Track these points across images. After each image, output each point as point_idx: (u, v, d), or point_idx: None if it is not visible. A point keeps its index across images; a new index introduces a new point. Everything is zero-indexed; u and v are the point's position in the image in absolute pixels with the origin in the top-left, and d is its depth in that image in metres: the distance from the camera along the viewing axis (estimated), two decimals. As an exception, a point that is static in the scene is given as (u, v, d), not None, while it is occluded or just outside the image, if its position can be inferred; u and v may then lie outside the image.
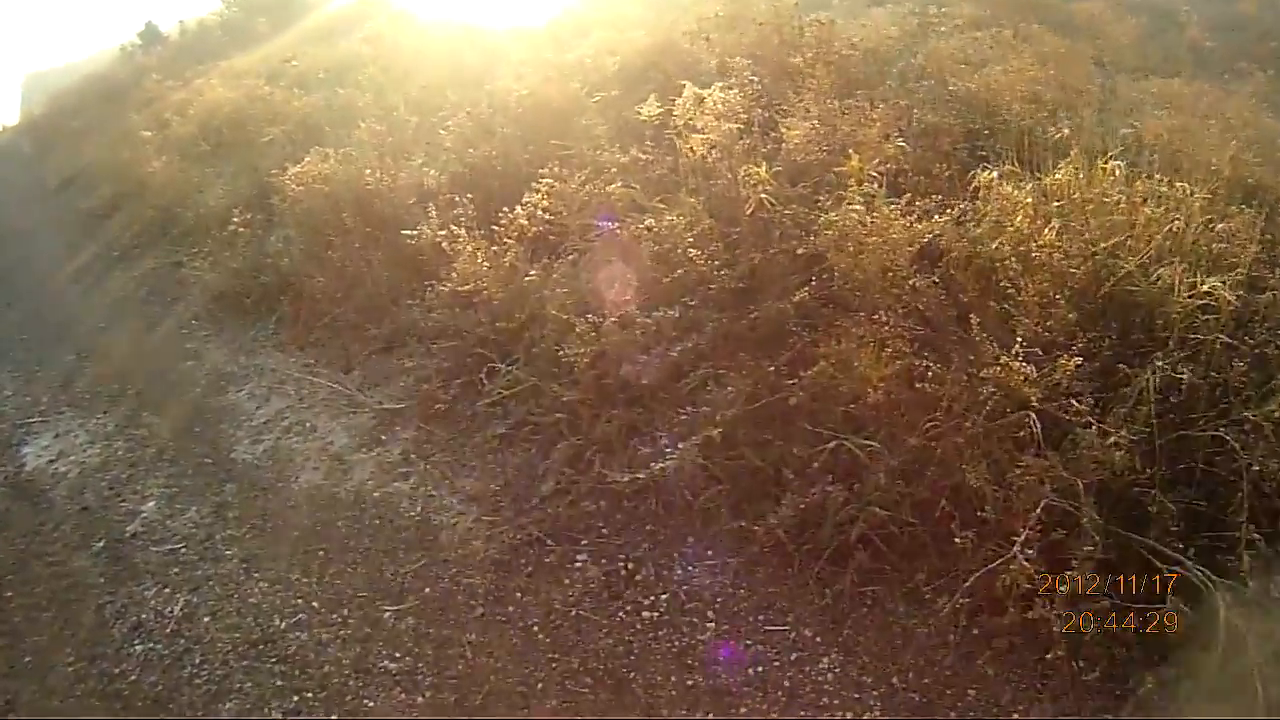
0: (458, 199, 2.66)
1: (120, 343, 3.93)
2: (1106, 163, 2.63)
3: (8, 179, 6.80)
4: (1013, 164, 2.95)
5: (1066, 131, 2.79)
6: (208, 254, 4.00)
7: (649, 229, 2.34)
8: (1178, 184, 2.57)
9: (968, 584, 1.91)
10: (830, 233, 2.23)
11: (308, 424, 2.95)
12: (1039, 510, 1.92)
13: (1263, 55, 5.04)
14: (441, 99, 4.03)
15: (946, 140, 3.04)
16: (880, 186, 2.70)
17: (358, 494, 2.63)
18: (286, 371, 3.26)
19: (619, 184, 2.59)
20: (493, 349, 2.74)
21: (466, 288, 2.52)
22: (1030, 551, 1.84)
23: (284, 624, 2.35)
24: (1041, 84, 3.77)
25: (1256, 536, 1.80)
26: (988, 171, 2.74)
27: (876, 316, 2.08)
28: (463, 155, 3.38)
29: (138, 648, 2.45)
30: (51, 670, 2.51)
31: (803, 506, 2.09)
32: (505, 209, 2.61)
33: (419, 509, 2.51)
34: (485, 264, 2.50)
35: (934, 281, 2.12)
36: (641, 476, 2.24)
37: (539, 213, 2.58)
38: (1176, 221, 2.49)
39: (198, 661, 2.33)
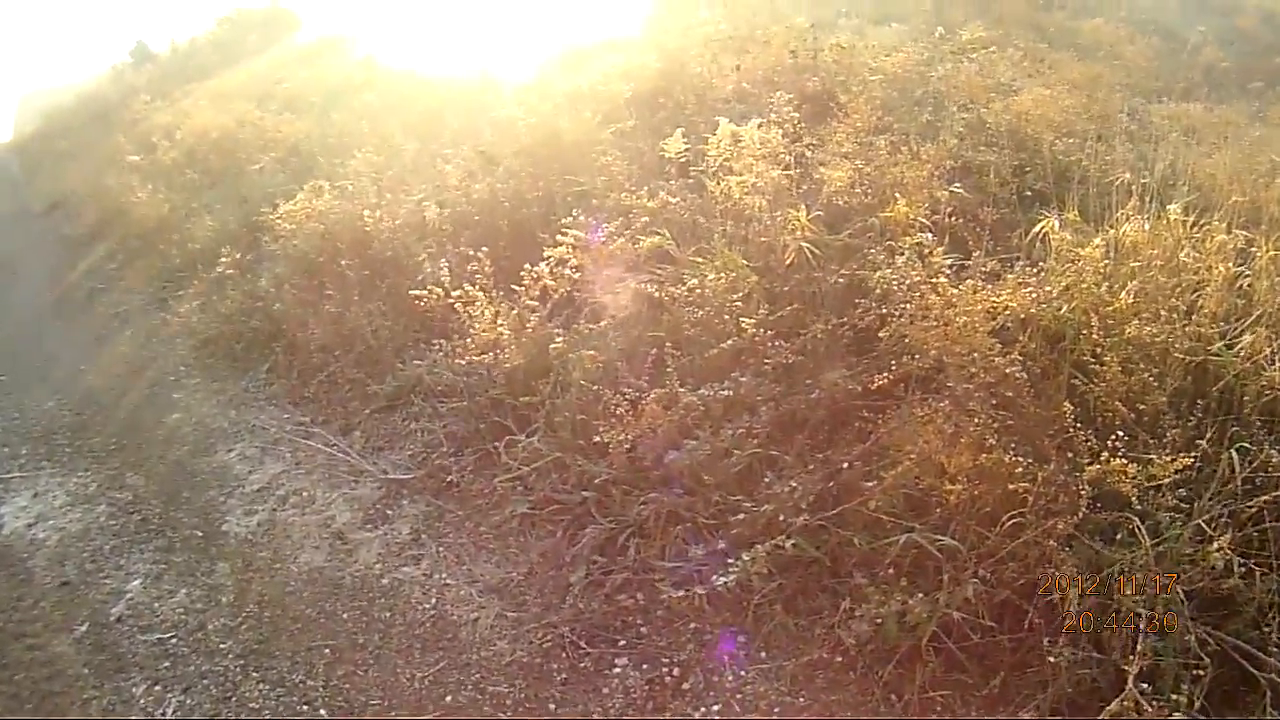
0: (471, 252, 2.29)
1: (103, 389, 3.53)
2: (1167, 212, 2.36)
3: None
4: (1062, 206, 2.68)
5: (1128, 176, 2.50)
6: (194, 294, 3.60)
7: (691, 291, 2.02)
8: (1236, 231, 2.33)
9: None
10: (901, 304, 1.90)
11: (305, 493, 2.61)
12: (1141, 626, 1.67)
13: (1271, 71, 4.83)
14: (440, 126, 3.65)
15: (994, 180, 2.75)
16: (931, 235, 2.41)
17: (364, 579, 2.30)
18: (280, 430, 2.91)
19: (652, 236, 2.25)
20: (508, 414, 2.42)
21: (483, 357, 2.19)
22: (1145, 686, 1.57)
23: (286, 737, 2.03)
24: (1072, 113, 3.51)
25: None
26: (1045, 219, 2.46)
27: (954, 399, 1.78)
28: (468, 191, 3.04)
29: None
30: None
31: (869, 607, 1.82)
32: (525, 264, 2.26)
33: (433, 600, 2.19)
34: (505, 329, 2.16)
35: (1017, 358, 1.82)
36: (690, 583, 1.95)
37: (567, 271, 2.25)
38: (1247, 277, 2.24)
39: None
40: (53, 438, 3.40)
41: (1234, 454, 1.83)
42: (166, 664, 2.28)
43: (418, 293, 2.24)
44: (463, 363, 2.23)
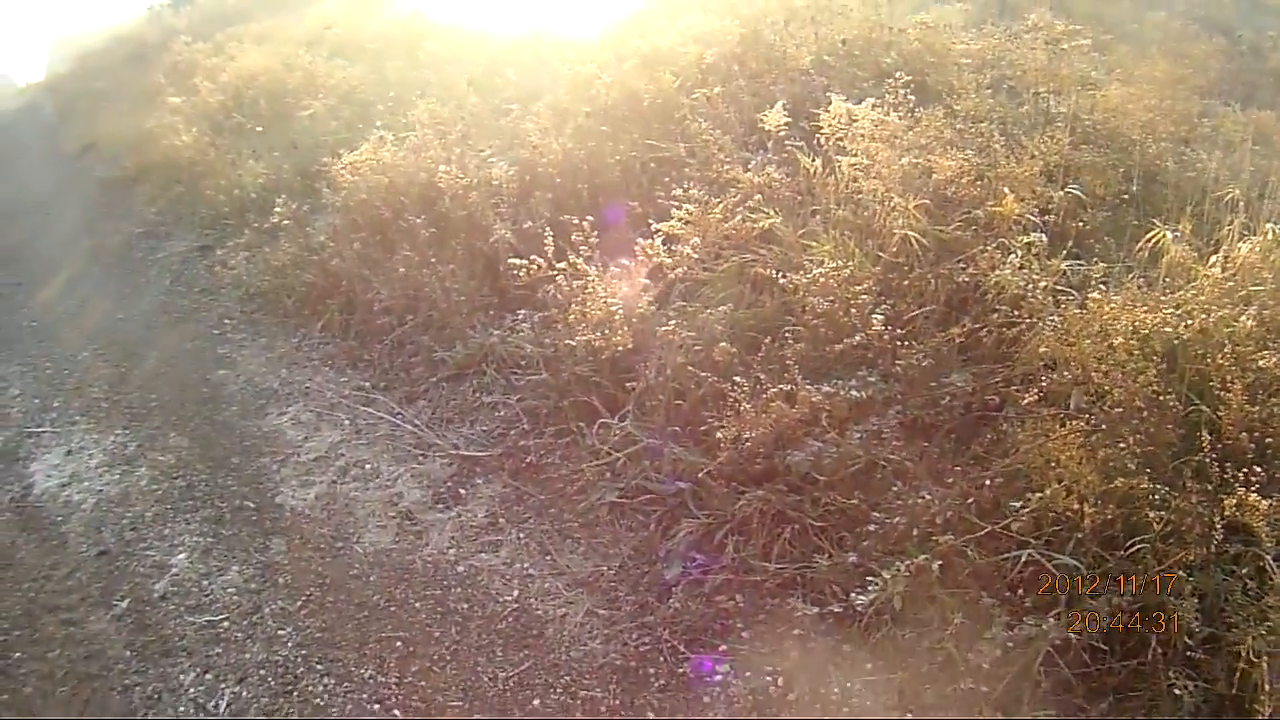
0: (569, 219, 1.95)
1: (142, 341, 3.18)
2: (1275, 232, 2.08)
3: (25, 143, 5.64)
4: (1159, 213, 2.39)
5: (1232, 191, 2.22)
6: (243, 244, 3.20)
7: (815, 280, 1.72)
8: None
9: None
10: (1030, 310, 1.62)
11: (368, 466, 2.34)
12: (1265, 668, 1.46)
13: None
14: (503, 80, 3.21)
15: (1097, 182, 2.44)
16: (1044, 236, 2.11)
17: (437, 566, 2.05)
18: (338, 394, 2.62)
19: (770, 217, 1.93)
20: (593, 394, 2.14)
21: (592, 336, 1.88)
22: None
23: (356, 740, 1.78)
24: (1158, 113, 3.18)
25: None
26: (1158, 230, 2.17)
27: (1104, 420, 1.52)
28: (545, 149, 2.66)
29: None
30: None
31: (996, 630, 1.59)
32: (616, 234, 1.94)
33: (515, 592, 1.95)
34: (618, 309, 1.85)
35: (1154, 378, 1.56)
36: (786, 568, 1.71)
37: (684, 248, 1.92)
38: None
39: None
40: (88, 390, 3.05)
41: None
42: (218, 650, 2.02)
43: (517, 262, 1.90)
44: (567, 341, 1.92)
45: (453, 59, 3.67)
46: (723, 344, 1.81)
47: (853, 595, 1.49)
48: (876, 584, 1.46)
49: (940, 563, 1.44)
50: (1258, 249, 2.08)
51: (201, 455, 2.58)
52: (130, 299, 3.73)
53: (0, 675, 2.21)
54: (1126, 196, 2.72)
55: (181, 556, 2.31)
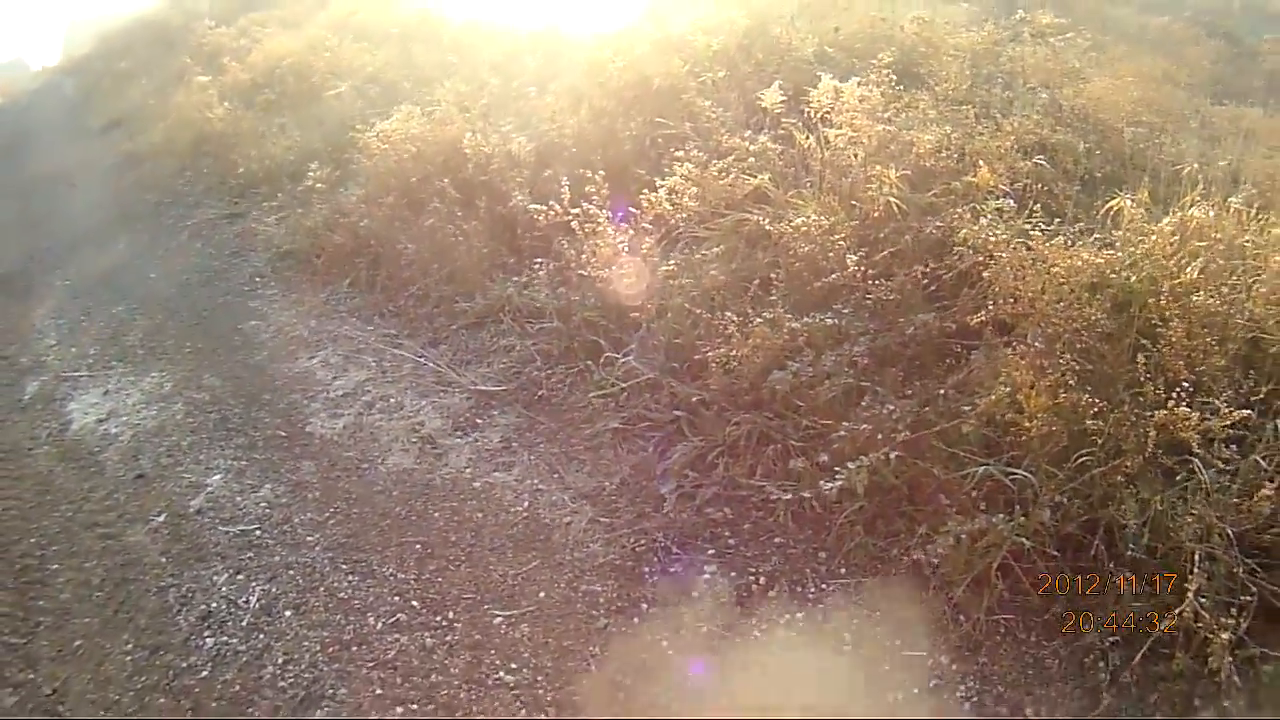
0: (584, 172, 2.37)
1: (175, 297, 3.60)
2: (1232, 203, 2.48)
3: (50, 120, 6.23)
4: (1135, 191, 2.79)
5: (1195, 166, 2.61)
6: (273, 208, 3.64)
7: (798, 228, 2.12)
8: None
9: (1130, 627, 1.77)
10: (991, 253, 2.02)
11: (392, 400, 2.71)
12: (1196, 558, 1.80)
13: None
14: (520, 66, 3.68)
15: (1068, 158, 2.85)
16: (1012, 202, 2.51)
17: (454, 482, 2.41)
18: (364, 341, 3.01)
19: (763, 175, 2.34)
20: (602, 335, 2.52)
21: (601, 272, 2.27)
22: (1204, 600, 1.71)
23: (380, 624, 2.13)
24: (1140, 104, 3.60)
25: None
26: (1118, 198, 2.57)
27: (1042, 342, 1.89)
28: (561, 125, 3.08)
29: (209, 640, 2.21)
30: (106, 658, 2.25)
31: (950, 526, 1.94)
32: (626, 195, 2.34)
33: (526, 504, 2.31)
34: (624, 247, 2.25)
35: (1101, 314, 1.93)
36: (777, 490, 2.08)
37: (684, 199, 2.33)
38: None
39: (281, 661, 2.09)
40: (123, 339, 3.47)
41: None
42: (249, 554, 2.38)
43: (537, 207, 2.32)
44: (576, 296, 2.28)
45: (473, 46, 4.17)
46: (714, 273, 2.19)
47: (822, 484, 1.83)
48: (843, 475, 1.82)
49: (898, 453, 1.79)
50: (1209, 214, 2.50)
51: (235, 392, 2.98)
52: (162, 260, 4.15)
53: (39, 585, 2.58)
54: (1099, 175, 3.15)
55: (216, 478, 2.69)
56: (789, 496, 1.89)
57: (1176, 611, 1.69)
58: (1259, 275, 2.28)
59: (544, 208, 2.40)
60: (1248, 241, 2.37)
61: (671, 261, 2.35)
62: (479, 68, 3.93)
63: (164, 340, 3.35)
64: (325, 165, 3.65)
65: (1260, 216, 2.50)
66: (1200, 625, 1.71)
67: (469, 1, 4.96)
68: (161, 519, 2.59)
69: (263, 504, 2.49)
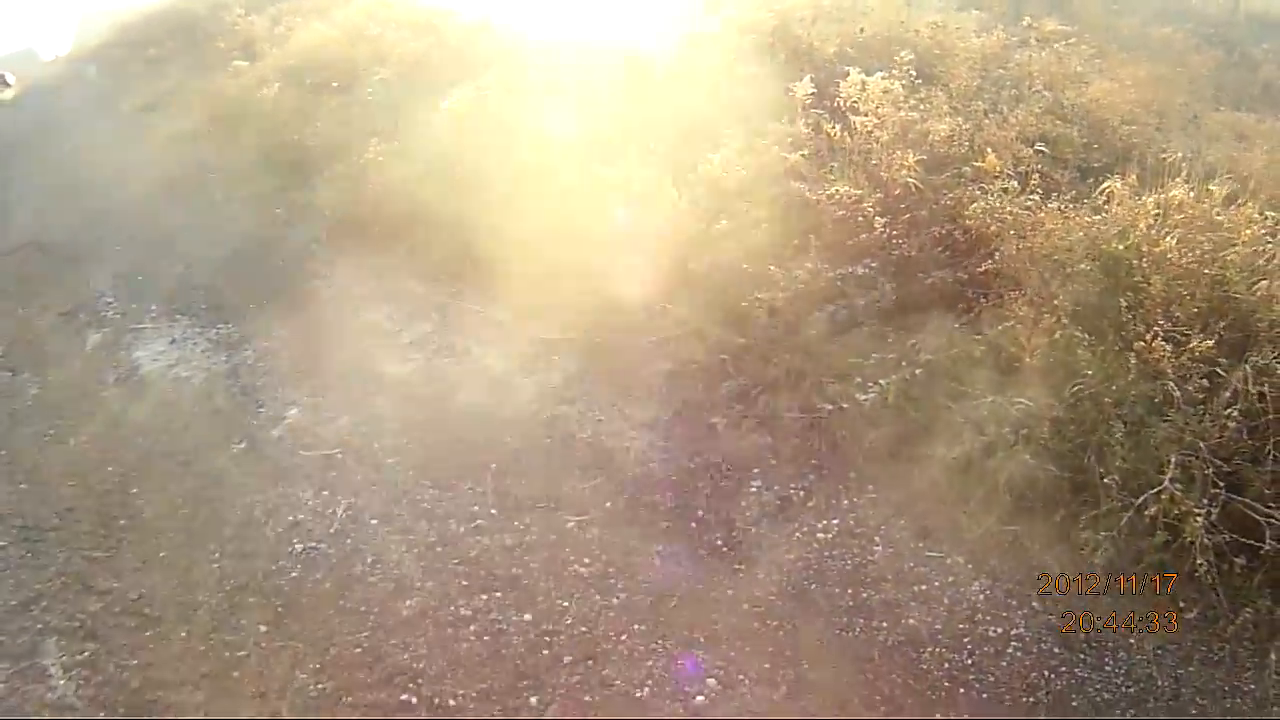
0: (649, 147, 2.93)
1: (233, 260, 4.07)
2: (1212, 188, 3.07)
3: (79, 105, 6.75)
4: (1127, 177, 3.39)
5: (1179, 155, 3.21)
6: (325, 181, 4.14)
7: (831, 196, 2.66)
8: (1267, 212, 3.04)
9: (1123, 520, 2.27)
10: (996, 219, 2.58)
11: (458, 347, 3.19)
12: (1172, 464, 2.33)
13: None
14: (563, 61, 4.26)
15: (1067, 150, 3.44)
16: (1015, 183, 3.10)
17: (523, 414, 2.90)
18: (426, 297, 3.49)
19: (799, 153, 2.90)
20: (654, 289, 3.03)
21: (667, 225, 2.80)
22: (1178, 486, 2.23)
23: (461, 529, 2.59)
24: (1136, 105, 4.23)
25: None
26: (1111, 181, 3.17)
27: (1040, 293, 2.44)
28: (608, 109, 3.62)
29: (298, 547, 2.65)
30: (193, 565, 2.68)
31: (956, 453, 2.46)
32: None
33: (589, 431, 2.79)
34: (685, 208, 2.78)
35: (1090, 266, 2.49)
36: (804, 416, 2.60)
37: (733, 169, 2.88)
38: (1270, 244, 2.95)
39: (370, 561, 2.55)
40: (185, 296, 3.91)
41: (1247, 366, 2.54)
42: (333, 474, 2.84)
43: (602, 169, 2.86)
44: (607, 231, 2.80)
45: (516, 48, 4.76)
46: (757, 234, 2.72)
47: (857, 395, 2.34)
48: (876, 389, 2.33)
49: (919, 370, 2.31)
50: (1189, 194, 3.09)
51: (304, 341, 3.42)
52: (216, 229, 4.58)
53: (119, 506, 3.01)
54: (1096, 164, 3.76)
55: (294, 411, 3.14)
56: (830, 408, 2.40)
57: (1155, 491, 2.21)
58: (1232, 245, 2.90)
59: (610, 170, 2.94)
60: (1221, 217, 2.98)
61: (722, 222, 2.90)
62: (520, 62, 4.50)
63: (227, 298, 3.81)
64: (383, 143, 4.17)
65: (1236, 200, 3.13)
66: (1176, 507, 2.25)
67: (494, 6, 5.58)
68: (242, 446, 3.03)
69: (342, 432, 2.95)
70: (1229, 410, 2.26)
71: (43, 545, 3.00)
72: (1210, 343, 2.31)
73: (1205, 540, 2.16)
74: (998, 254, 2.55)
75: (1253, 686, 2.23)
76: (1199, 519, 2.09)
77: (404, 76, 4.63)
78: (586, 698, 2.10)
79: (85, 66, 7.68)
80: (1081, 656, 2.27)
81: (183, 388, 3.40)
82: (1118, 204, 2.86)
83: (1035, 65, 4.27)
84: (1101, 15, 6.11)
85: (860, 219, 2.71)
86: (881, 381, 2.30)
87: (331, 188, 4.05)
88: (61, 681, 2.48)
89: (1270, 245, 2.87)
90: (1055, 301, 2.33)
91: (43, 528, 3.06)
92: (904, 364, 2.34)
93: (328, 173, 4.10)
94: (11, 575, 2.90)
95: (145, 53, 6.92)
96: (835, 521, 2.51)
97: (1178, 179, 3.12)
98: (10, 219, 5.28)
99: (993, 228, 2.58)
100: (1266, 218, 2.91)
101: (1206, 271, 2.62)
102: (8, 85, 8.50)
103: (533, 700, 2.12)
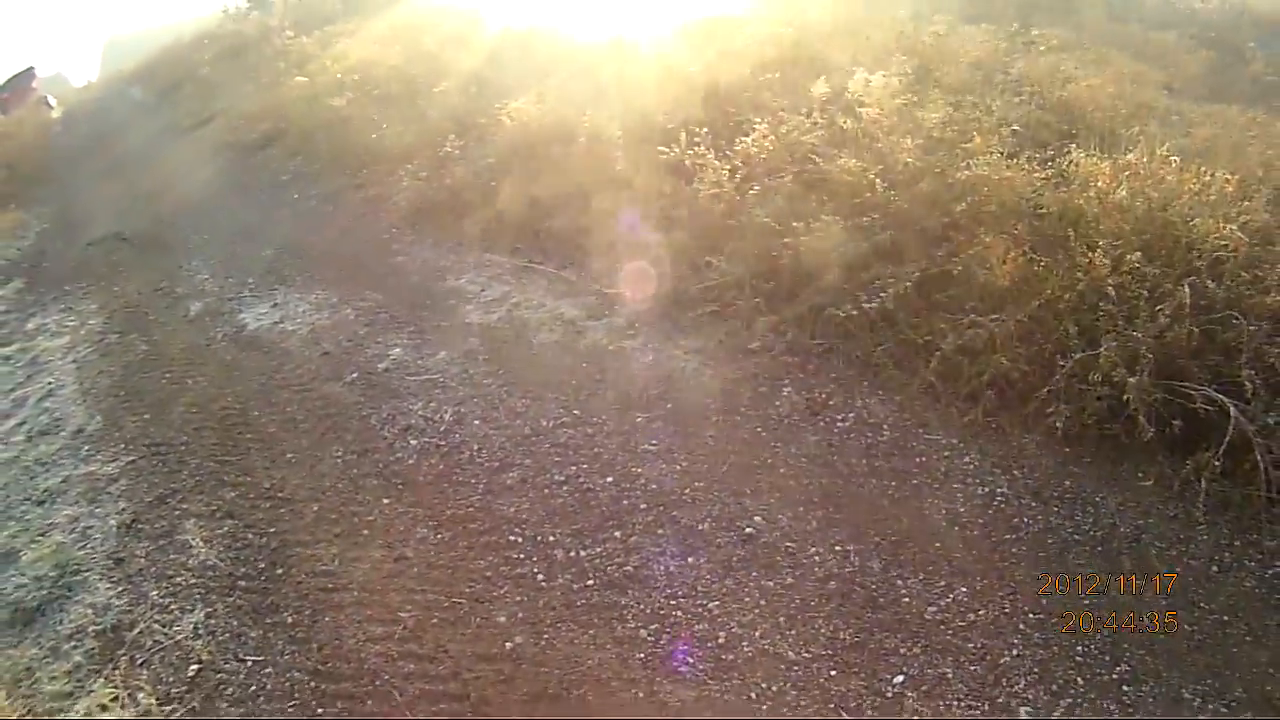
0: (696, 132, 4.28)
1: (316, 243, 5.38)
2: (1163, 153, 4.34)
3: (132, 123, 8.44)
4: (1095, 150, 4.68)
5: (1136, 129, 4.48)
6: (396, 179, 5.51)
7: (843, 167, 3.95)
8: (1218, 173, 4.29)
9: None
10: (971, 175, 3.87)
11: (534, 301, 4.40)
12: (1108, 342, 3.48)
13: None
14: (605, 72, 5.69)
15: (1045, 132, 4.75)
16: (999, 156, 4.39)
17: (593, 348, 4.07)
18: (502, 266, 4.72)
19: (813, 135, 4.21)
20: (700, 247, 4.29)
21: (713, 190, 4.09)
22: (1113, 347, 3.36)
23: (550, 424, 3.75)
24: (1118, 99, 5.55)
25: (1254, 373, 3.34)
26: (1077, 151, 4.46)
27: (1005, 231, 3.68)
28: (650, 115, 4.99)
29: (412, 443, 3.82)
30: (320, 461, 3.85)
31: (947, 362, 3.63)
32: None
33: (650, 358, 3.96)
34: (727, 176, 4.07)
35: (1044, 214, 3.74)
36: (824, 342, 3.81)
37: (764, 145, 4.19)
38: (1212, 195, 4.19)
39: (476, 449, 3.70)
40: (281, 270, 5.21)
41: (1186, 286, 3.71)
42: (438, 391, 4.02)
43: (663, 149, 4.17)
44: (659, 209, 4.09)
45: (562, 56, 6.26)
46: (782, 201, 3.98)
47: (864, 304, 3.53)
48: (875, 300, 3.51)
49: (908, 285, 3.49)
50: (1145, 158, 4.34)
51: (397, 301, 4.64)
52: (296, 221, 5.89)
53: (242, 426, 4.21)
54: (1073, 143, 5.05)
55: (397, 350, 4.34)
56: (841, 313, 3.59)
57: (1096, 356, 3.34)
58: (1178, 197, 4.13)
59: (668, 150, 4.26)
60: (1171, 177, 4.22)
61: (754, 188, 4.16)
62: (567, 73, 5.97)
63: (320, 271, 5.07)
64: (457, 139, 5.55)
65: (1189, 166, 4.37)
66: (1114, 372, 3.35)
67: (534, 13, 7.20)
68: (354, 376, 4.23)
69: (442, 363, 4.12)
70: (1159, 308, 3.43)
71: (174, 456, 4.20)
72: (1138, 255, 3.50)
73: (1143, 400, 3.28)
74: (969, 200, 3.80)
75: (1205, 537, 3.30)
76: (1132, 380, 3.22)
77: (462, 89, 6.11)
78: (659, 530, 3.22)
79: (127, 88, 9.38)
80: (1054, 509, 3.32)
81: (290, 339, 4.65)
82: (1077, 165, 4.15)
83: (1027, 68, 5.66)
84: (1105, 24, 7.56)
85: (863, 183, 3.97)
86: (881, 295, 3.51)
87: (405, 183, 5.43)
88: (204, 550, 3.64)
89: (1209, 195, 4.14)
90: (1015, 232, 3.55)
91: (173, 444, 4.27)
92: (897, 281, 3.55)
93: (400, 170, 5.48)
94: (145, 480, 4.11)
95: (197, 73, 8.63)
96: (851, 415, 3.64)
97: (1137, 148, 4.42)
98: (90, 215, 6.74)
99: (970, 182, 3.83)
100: (1207, 174, 4.18)
101: (1160, 214, 3.86)
102: (50, 107, 10.30)
103: (616, 534, 3.23)
